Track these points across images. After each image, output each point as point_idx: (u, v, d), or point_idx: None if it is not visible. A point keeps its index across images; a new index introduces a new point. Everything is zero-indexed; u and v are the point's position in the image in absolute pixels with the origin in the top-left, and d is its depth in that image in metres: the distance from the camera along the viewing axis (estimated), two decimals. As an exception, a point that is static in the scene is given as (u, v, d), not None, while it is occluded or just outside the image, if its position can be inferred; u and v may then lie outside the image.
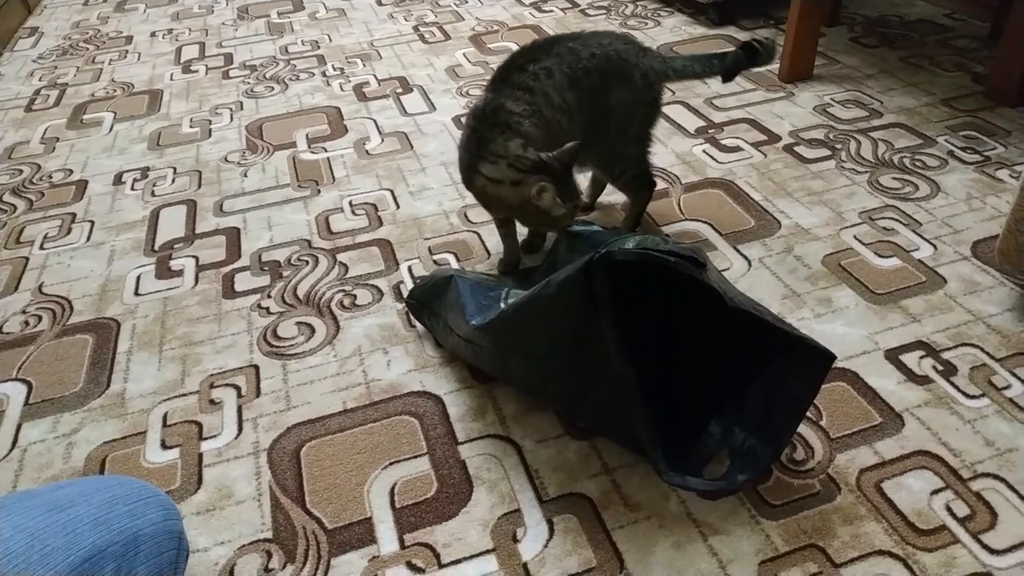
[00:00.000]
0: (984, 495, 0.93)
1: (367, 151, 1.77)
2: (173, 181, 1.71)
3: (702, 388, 1.01)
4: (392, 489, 0.99)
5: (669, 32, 2.28)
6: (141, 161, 1.81)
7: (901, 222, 1.40)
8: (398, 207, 1.56)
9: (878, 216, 1.42)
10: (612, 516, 0.93)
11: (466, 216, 1.51)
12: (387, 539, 0.93)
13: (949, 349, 1.13)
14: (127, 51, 2.48)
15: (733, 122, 1.78)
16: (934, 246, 1.34)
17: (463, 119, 1.86)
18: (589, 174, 1.45)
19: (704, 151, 1.67)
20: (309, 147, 1.81)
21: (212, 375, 1.18)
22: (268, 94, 2.09)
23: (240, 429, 1.09)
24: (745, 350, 0.98)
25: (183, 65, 2.33)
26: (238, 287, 1.37)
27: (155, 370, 1.20)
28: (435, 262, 1.39)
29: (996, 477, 0.95)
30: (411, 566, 0.90)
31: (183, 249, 1.48)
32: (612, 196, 1.44)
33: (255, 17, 2.68)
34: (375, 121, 1.90)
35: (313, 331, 1.25)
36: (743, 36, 2.20)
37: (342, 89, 2.08)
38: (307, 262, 1.42)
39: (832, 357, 0.92)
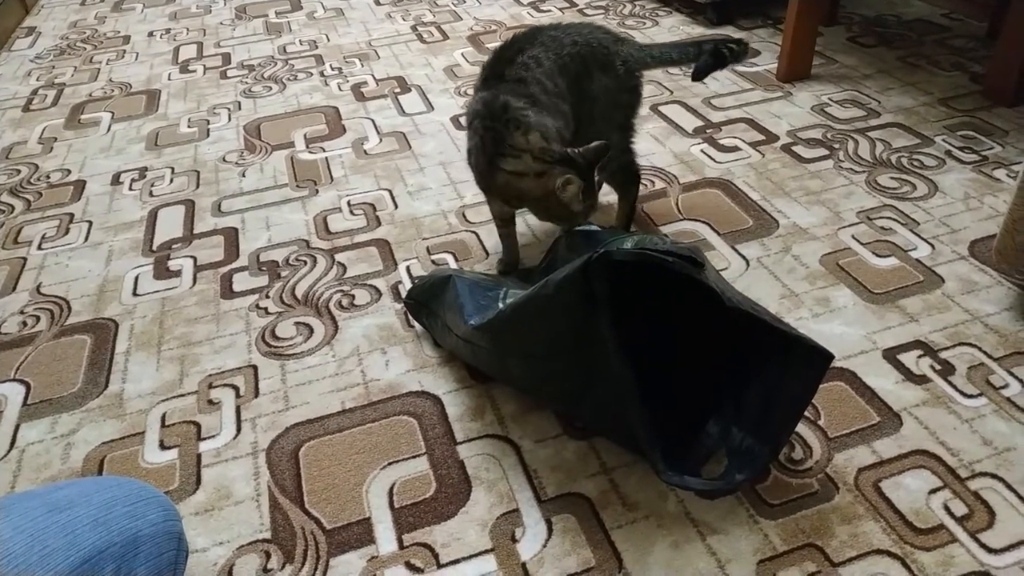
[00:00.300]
0: (982, 494, 0.93)
1: (365, 151, 1.77)
2: (171, 181, 1.71)
3: (700, 388, 1.01)
4: (391, 489, 0.99)
5: (667, 32, 2.28)
6: (139, 161, 1.81)
7: (899, 222, 1.40)
8: (396, 207, 1.56)
9: (876, 216, 1.42)
10: (610, 516, 0.93)
11: (464, 216, 1.51)
12: (386, 539, 0.93)
13: (947, 348, 1.13)
14: (125, 51, 2.47)
15: (731, 122, 1.78)
16: (932, 246, 1.34)
17: (462, 120, 1.86)
18: None
19: (702, 151, 1.67)
20: (307, 147, 1.81)
21: (210, 375, 1.18)
22: (266, 94, 2.09)
23: (239, 429, 1.09)
24: (743, 350, 0.98)
25: (181, 65, 2.33)
26: (236, 287, 1.37)
27: (153, 370, 1.20)
28: (433, 262, 1.39)
29: (994, 476, 0.95)
30: (410, 566, 0.90)
31: (181, 249, 1.48)
32: (611, 196, 1.44)
33: (253, 17, 2.68)
34: (373, 121, 1.90)
35: (311, 331, 1.25)
36: (741, 36, 2.20)
37: (340, 89, 2.08)
38: (305, 262, 1.42)
39: (830, 357, 0.93)
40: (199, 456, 1.05)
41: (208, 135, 1.90)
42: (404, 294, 1.28)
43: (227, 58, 2.35)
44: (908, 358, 1.12)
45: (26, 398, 1.17)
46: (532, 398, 1.09)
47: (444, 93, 2.02)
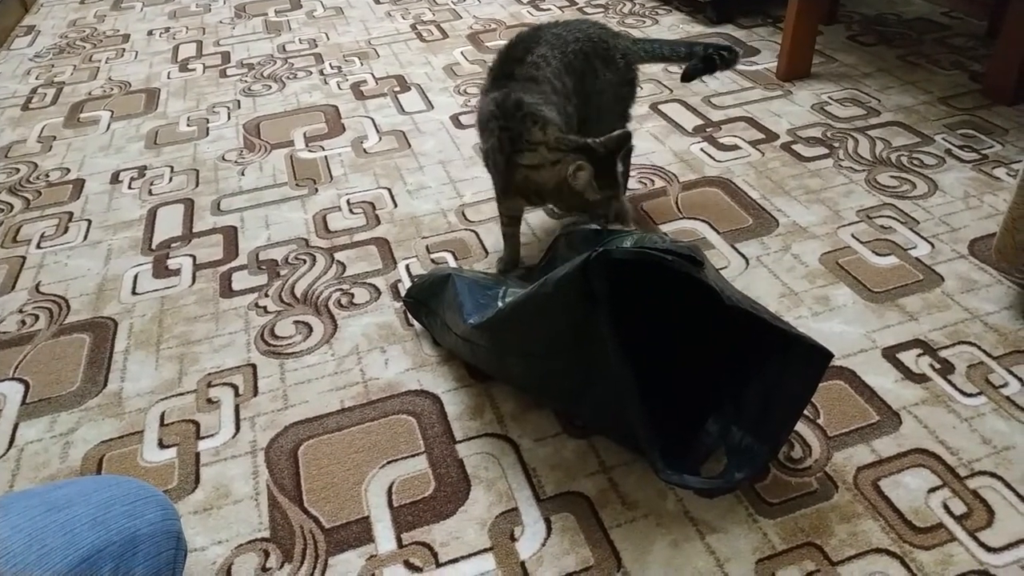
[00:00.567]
0: (981, 493, 0.93)
1: (365, 150, 1.77)
2: (170, 180, 1.71)
3: (700, 386, 1.01)
4: (390, 488, 0.99)
5: (667, 30, 2.28)
6: (138, 160, 1.80)
7: (899, 220, 1.40)
8: (396, 206, 1.56)
9: (876, 214, 1.42)
10: (610, 514, 0.93)
11: (464, 215, 1.51)
12: (384, 538, 0.93)
13: (946, 347, 1.13)
14: (124, 49, 2.47)
15: (731, 120, 1.78)
16: (932, 244, 1.34)
17: (462, 118, 1.86)
18: None
19: (702, 149, 1.67)
20: (307, 146, 1.80)
21: (209, 374, 1.18)
22: (266, 92, 2.09)
23: (238, 428, 1.09)
24: (743, 348, 0.98)
25: (180, 63, 2.32)
26: (235, 286, 1.37)
27: (152, 369, 1.20)
28: (433, 261, 1.39)
29: (993, 475, 0.95)
30: (409, 565, 0.90)
31: (180, 248, 1.48)
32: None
33: (252, 15, 2.68)
34: (373, 120, 1.90)
35: (311, 330, 1.25)
36: (741, 35, 2.20)
37: (340, 88, 2.08)
38: (305, 261, 1.42)
39: (829, 355, 0.92)
40: (198, 455, 1.05)
41: (207, 134, 1.90)
42: (403, 293, 1.28)
43: (226, 57, 2.35)
44: (907, 357, 1.12)
45: (25, 397, 1.17)
46: (531, 397, 1.09)
47: (444, 92, 2.02)
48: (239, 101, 2.05)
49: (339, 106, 1.98)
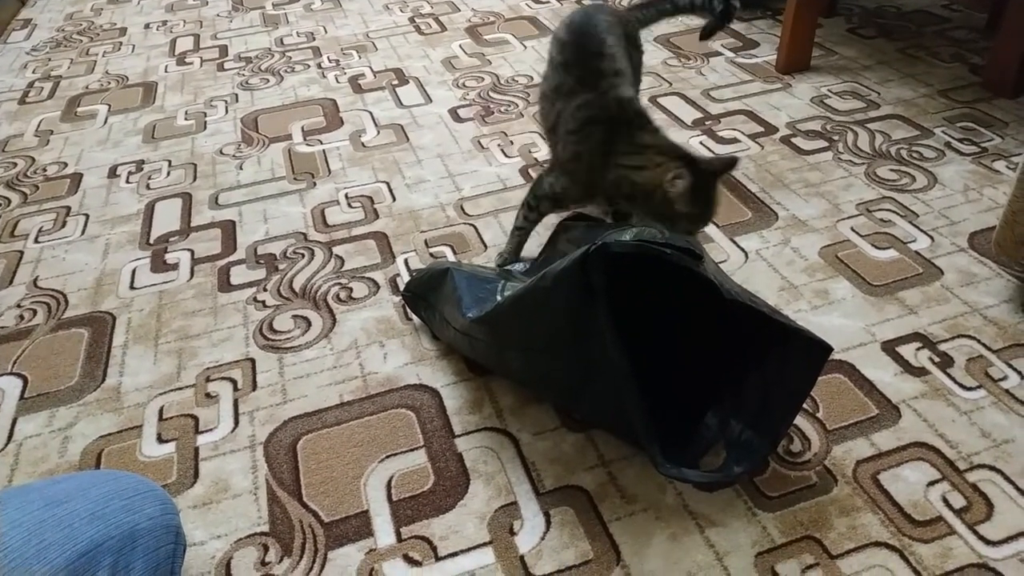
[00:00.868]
0: (980, 486, 0.93)
1: (363, 143, 1.76)
2: (168, 174, 1.71)
3: (699, 380, 1.01)
4: (389, 482, 0.99)
5: (666, 23, 2.27)
6: (136, 154, 1.80)
7: (898, 214, 1.40)
8: (394, 200, 1.55)
9: (875, 208, 1.42)
10: (609, 508, 0.93)
11: (463, 209, 1.51)
12: (384, 532, 0.93)
13: (946, 341, 1.13)
14: (121, 43, 2.46)
15: (730, 114, 1.77)
16: (931, 238, 1.33)
17: (461, 112, 1.86)
18: None
19: (701, 143, 1.67)
20: (305, 139, 1.80)
21: (208, 369, 1.18)
22: (263, 86, 2.08)
23: (236, 423, 1.09)
24: (742, 342, 0.98)
25: (178, 57, 2.32)
26: (234, 280, 1.36)
27: (151, 364, 1.20)
28: (431, 255, 1.39)
29: (992, 468, 0.95)
30: (408, 559, 0.90)
31: (178, 242, 1.48)
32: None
33: (250, 8, 2.67)
34: (371, 113, 1.89)
35: (309, 324, 1.25)
36: (740, 27, 2.19)
37: (338, 81, 2.08)
38: (303, 255, 1.41)
39: (829, 349, 0.92)
40: (197, 449, 1.05)
41: (205, 128, 1.89)
42: (402, 287, 1.27)
43: (224, 50, 2.34)
44: (907, 350, 1.12)
45: (23, 391, 1.17)
46: (530, 391, 1.09)
47: (442, 85, 2.01)
48: (237, 95, 2.04)
49: (337, 100, 1.97)
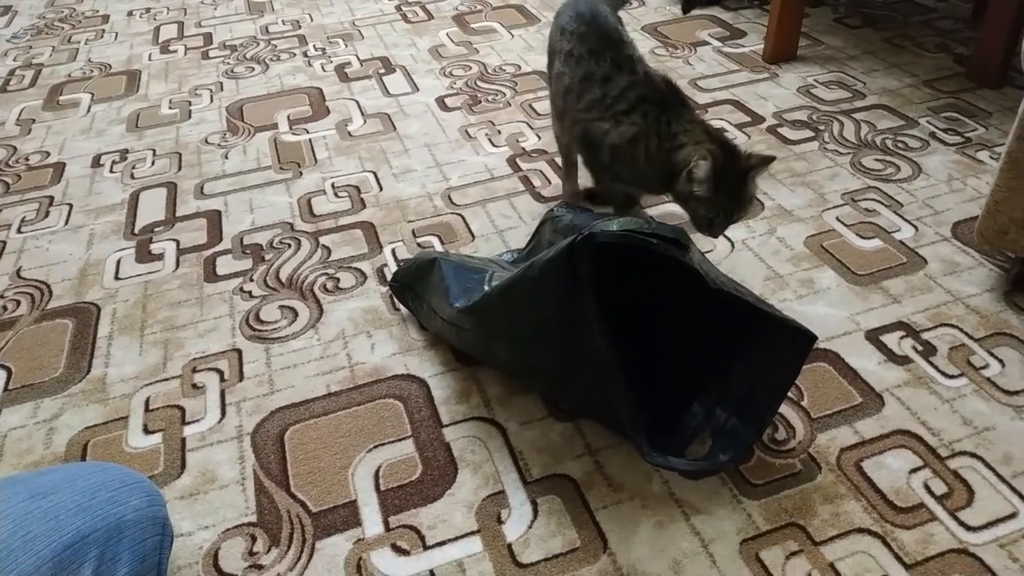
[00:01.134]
0: (961, 473, 0.94)
1: (349, 132, 1.76)
2: (152, 163, 1.69)
3: (685, 369, 1.02)
4: (377, 472, 0.99)
5: (654, 12, 2.27)
6: (119, 143, 1.78)
7: (883, 203, 1.41)
8: (381, 189, 1.55)
9: (860, 197, 1.43)
10: (596, 497, 0.94)
11: (450, 198, 1.50)
12: (372, 522, 0.93)
13: (929, 329, 1.14)
14: (104, 31, 2.43)
15: (717, 103, 1.77)
16: (915, 227, 1.35)
17: (448, 101, 1.85)
18: None
19: (688, 132, 1.67)
20: (291, 128, 1.79)
21: (194, 359, 1.18)
22: (248, 75, 2.06)
23: (223, 413, 1.08)
24: (727, 331, 0.99)
25: (161, 45, 2.29)
26: (220, 270, 1.36)
27: (136, 354, 1.19)
28: (419, 245, 1.39)
29: (973, 455, 0.96)
30: (396, 548, 0.90)
31: (163, 232, 1.47)
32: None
33: (235, -4, 2.64)
34: (357, 102, 1.88)
35: (296, 315, 1.25)
36: (727, 17, 2.19)
37: (324, 70, 2.06)
38: (289, 245, 1.41)
39: (813, 338, 0.93)
40: (183, 440, 1.05)
41: (190, 116, 1.87)
42: (389, 277, 1.27)
43: (208, 38, 2.31)
44: (891, 339, 1.13)
45: (7, 383, 1.16)
46: (517, 381, 1.09)
47: (429, 74, 2.00)
48: (222, 83, 2.03)
49: (323, 88, 1.96)
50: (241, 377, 1.14)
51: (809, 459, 0.97)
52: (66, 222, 1.52)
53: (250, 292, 1.30)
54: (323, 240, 1.41)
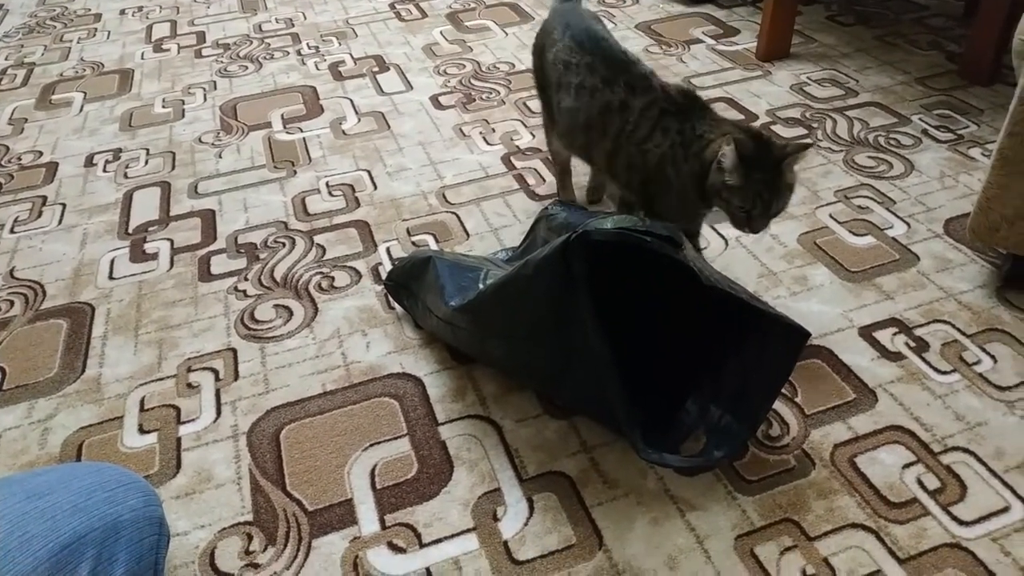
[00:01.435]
0: (954, 468, 0.95)
1: (343, 131, 1.75)
2: (146, 163, 1.69)
3: (679, 366, 1.02)
4: (372, 470, 0.99)
5: (647, 10, 2.27)
6: (113, 142, 1.78)
7: (876, 200, 1.41)
8: (375, 188, 1.55)
9: (853, 195, 1.43)
10: (591, 494, 0.94)
11: (444, 197, 1.50)
12: (368, 520, 0.93)
13: (921, 326, 1.15)
14: (96, 29, 2.42)
15: (711, 101, 1.76)
16: (908, 224, 1.35)
17: (442, 99, 1.85)
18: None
19: (682, 130, 1.67)
20: (284, 127, 1.78)
21: (189, 359, 1.18)
22: (242, 73, 2.06)
23: (219, 413, 1.08)
24: (721, 329, 0.99)
25: (154, 44, 2.29)
26: (214, 270, 1.35)
27: (131, 354, 1.19)
28: (414, 243, 1.39)
29: (966, 451, 0.97)
30: (392, 546, 0.90)
31: (157, 232, 1.47)
32: (586, 176, 1.44)
33: (227, -6, 2.63)
34: (351, 101, 1.88)
35: (291, 314, 1.25)
36: (721, 14, 2.20)
37: (317, 68, 2.06)
38: (284, 244, 1.41)
39: (807, 334, 0.94)
40: (179, 440, 1.05)
41: (183, 115, 1.87)
42: (384, 276, 1.27)
43: (201, 36, 2.31)
44: (884, 335, 1.14)
45: (1, 383, 1.15)
46: (513, 378, 1.09)
47: (423, 72, 2.00)
48: (215, 82, 2.02)
49: (317, 87, 1.96)
50: (236, 376, 1.14)
51: (803, 455, 0.97)
52: (59, 222, 1.51)
53: (245, 291, 1.30)
54: (317, 239, 1.41)
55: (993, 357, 1.09)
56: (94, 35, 2.38)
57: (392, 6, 2.44)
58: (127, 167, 1.67)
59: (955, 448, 0.97)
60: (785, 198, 1.03)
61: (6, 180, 1.66)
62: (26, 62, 2.22)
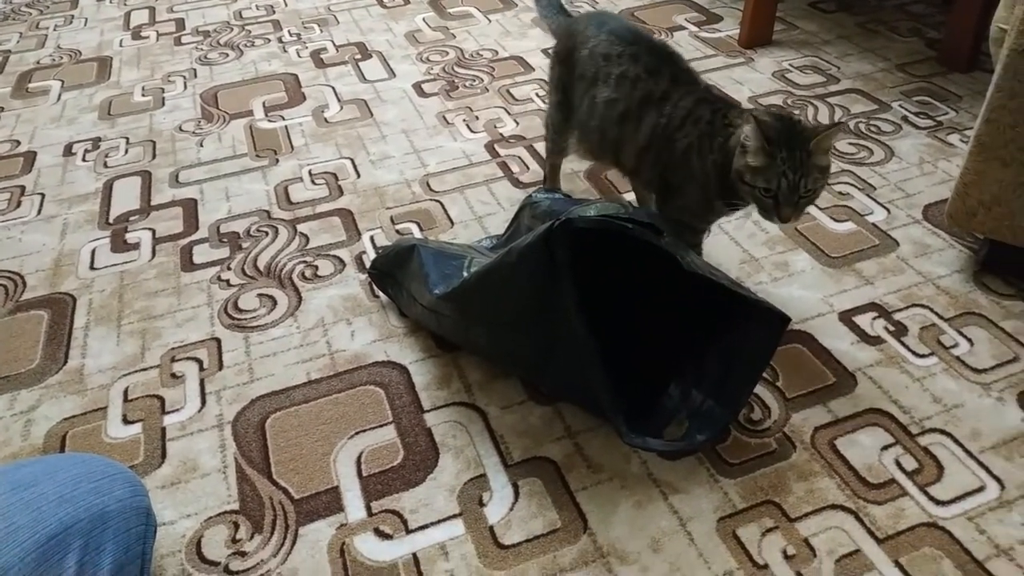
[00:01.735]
0: (931, 449, 0.97)
1: (326, 119, 1.75)
2: (126, 152, 1.67)
3: (662, 352, 1.03)
4: (359, 458, 0.99)
5: (636, 1, 2.27)
6: (92, 131, 1.76)
7: (856, 187, 1.43)
8: (359, 176, 1.54)
9: (834, 181, 1.45)
10: (576, 478, 0.95)
11: (428, 185, 1.50)
12: (354, 507, 0.94)
13: (900, 310, 1.17)
14: (73, 16, 2.39)
15: (693, 88, 1.78)
16: (887, 210, 1.37)
17: (425, 87, 1.84)
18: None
19: (665, 117, 1.68)
20: (266, 115, 1.77)
21: (173, 349, 1.17)
22: (223, 61, 2.04)
23: (203, 402, 1.08)
24: (703, 314, 1.00)
25: (133, 31, 2.26)
26: (197, 259, 1.35)
27: (114, 345, 1.19)
28: (397, 232, 1.39)
29: (943, 432, 0.99)
30: (379, 532, 0.91)
31: (139, 221, 1.45)
32: (574, 164, 1.45)
33: (207, -20, 2.60)
34: (334, 88, 1.87)
35: (275, 303, 1.24)
36: (704, 1, 2.20)
37: (299, 55, 2.04)
38: (267, 233, 1.40)
39: (787, 320, 0.95)
40: (164, 430, 1.05)
41: (163, 104, 1.85)
42: (368, 264, 1.27)
43: (181, 24, 2.28)
44: (863, 320, 1.15)
45: (-17, 375, 1.15)
46: (497, 366, 1.10)
47: (406, 59, 1.99)
48: (195, 70, 2.00)
49: (299, 74, 1.94)
50: (220, 366, 1.14)
51: (784, 438, 0.99)
52: (39, 212, 1.50)
53: (228, 281, 1.29)
54: (301, 228, 1.41)
55: (970, 340, 1.11)
56: (71, 22, 2.35)
57: (374, -7, 2.42)
58: (107, 156, 1.66)
59: (932, 430, 0.99)
60: (815, 180, 0.96)
61: (-17, 170, 1.64)
62: (1, 50, 2.19)
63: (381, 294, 1.23)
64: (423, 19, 2.22)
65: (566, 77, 1.24)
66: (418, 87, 1.85)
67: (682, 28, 2.06)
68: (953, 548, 0.86)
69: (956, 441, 0.97)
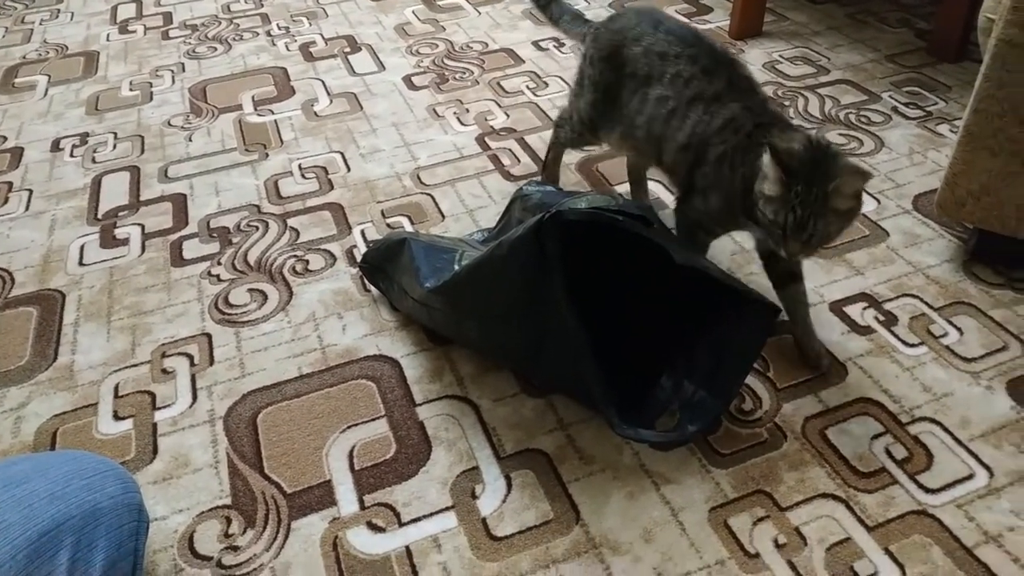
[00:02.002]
0: (921, 438, 0.97)
1: (315, 113, 1.74)
2: (114, 147, 1.66)
3: (653, 343, 1.04)
4: (351, 452, 0.99)
5: (620, -12, 2.26)
6: (79, 126, 1.75)
7: (846, 177, 1.43)
8: (349, 170, 1.54)
9: (824, 171, 1.45)
10: (568, 470, 0.96)
11: (419, 178, 1.50)
12: (347, 500, 0.94)
13: (890, 300, 1.17)
14: (59, 10, 2.37)
15: (684, 79, 1.78)
16: (878, 200, 1.37)
17: (415, 79, 1.84)
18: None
19: (655, 109, 1.68)
20: (255, 109, 1.76)
21: (163, 344, 1.17)
22: (211, 55, 2.03)
23: (195, 398, 1.08)
24: (694, 305, 1.00)
25: (120, 25, 2.24)
26: (187, 255, 1.34)
27: (104, 341, 1.18)
28: (388, 225, 1.38)
29: (932, 421, 0.99)
30: (372, 526, 0.91)
31: (128, 217, 1.45)
32: (566, 156, 1.44)
33: (194, -26, 2.58)
34: (323, 82, 1.86)
35: (266, 298, 1.24)
36: (693, -8, 2.20)
37: (288, 49, 2.03)
38: (257, 228, 1.39)
39: (778, 310, 0.96)
40: (155, 425, 1.04)
41: (151, 98, 1.84)
42: (359, 258, 1.27)
43: (168, 17, 2.26)
44: (854, 310, 1.16)
45: (-28, 373, 1.14)
46: (489, 359, 1.10)
47: (395, 52, 1.98)
48: (183, 64, 1.99)
49: (288, 68, 1.93)
50: (211, 361, 1.13)
51: (775, 428, 0.99)
52: (27, 208, 1.49)
53: (218, 276, 1.29)
54: (291, 222, 1.40)
55: (959, 329, 1.12)
56: (57, 16, 2.33)
57: (363, -15, 2.40)
58: (95, 151, 1.65)
59: (922, 419, 1.00)
60: (829, 224, 0.90)
61: (-30, 166, 1.63)
62: (-13, 45, 2.17)
63: (372, 288, 1.23)
64: (412, 11, 2.21)
65: (610, 75, 1.19)
66: (408, 80, 1.85)
67: (672, 20, 2.06)
68: (942, 535, 0.86)
69: (945, 429, 0.98)
